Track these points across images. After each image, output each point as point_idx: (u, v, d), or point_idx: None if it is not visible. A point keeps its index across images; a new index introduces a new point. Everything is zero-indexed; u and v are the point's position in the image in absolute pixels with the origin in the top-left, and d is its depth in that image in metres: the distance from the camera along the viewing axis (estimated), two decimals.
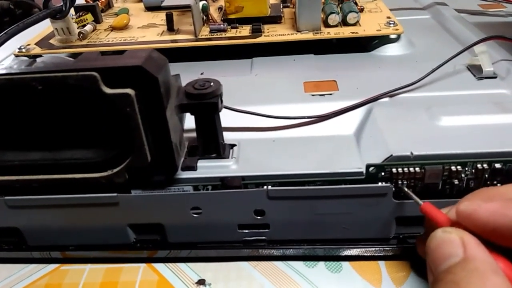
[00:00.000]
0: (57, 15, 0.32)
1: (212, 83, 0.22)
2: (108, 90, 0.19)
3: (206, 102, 0.21)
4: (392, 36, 0.33)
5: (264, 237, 0.23)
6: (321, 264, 0.23)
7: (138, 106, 0.19)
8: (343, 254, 0.23)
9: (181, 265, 0.23)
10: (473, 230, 0.17)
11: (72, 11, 0.38)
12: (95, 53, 0.20)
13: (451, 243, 0.17)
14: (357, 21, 0.33)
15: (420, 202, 0.20)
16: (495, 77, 0.27)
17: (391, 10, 0.37)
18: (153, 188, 0.22)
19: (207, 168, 0.22)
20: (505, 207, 0.17)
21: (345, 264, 0.23)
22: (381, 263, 0.22)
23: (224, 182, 0.22)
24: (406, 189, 0.21)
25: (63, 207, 0.23)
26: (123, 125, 0.19)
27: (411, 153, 0.21)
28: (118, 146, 0.20)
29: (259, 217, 0.22)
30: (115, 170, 0.20)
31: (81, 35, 0.35)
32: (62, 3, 0.32)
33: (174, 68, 0.33)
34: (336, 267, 0.23)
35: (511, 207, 0.17)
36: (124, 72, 0.18)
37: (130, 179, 0.21)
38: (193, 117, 0.22)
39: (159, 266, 0.23)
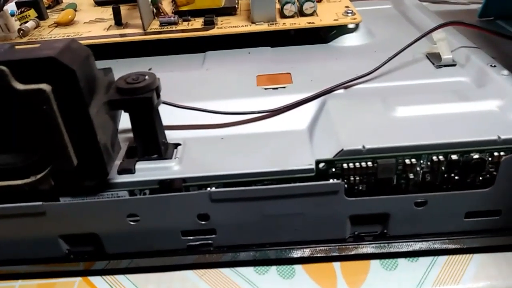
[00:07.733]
0: None
1: (146, 77, 0.20)
2: (20, 86, 0.17)
3: (139, 98, 0.19)
4: (350, 26, 0.31)
5: (210, 241, 0.21)
6: (273, 269, 0.21)
7: (57, 103, 0.17)
8: (295, 256, 0.21)
9: (120, 278, 0.21)
10: None
11: (14, 7, 0.36)
12: (7, 45, 0.18)
13: None
14: (314, 11, 0.31)
15: None
16: (455, 65, 0.26)
17: (352, 0, 0.35)
18: (83, 194, 0.20)
19: (146, 170, 0.20)
20: None
21: (298, 269, 0.21)
22: (337, 266, 0.21)
23: (163, 185, 0.20)
24: None
25: None
26: (42, 125, 0.17)
27: (363, 146, 0.19)
28: (40, 149, 0.18)
29: (203, 222, 0.21)
30: (38, 176, 0.19)
31: (21, 32, 0.32)
32: None
33: (122, 64, 0.32)
34: (288, 272, 0.21)
35: None
36: (37, 65, 0.17)
37: (58, 186, 0.19)
38: None
39: (96, 280, 0.21)
